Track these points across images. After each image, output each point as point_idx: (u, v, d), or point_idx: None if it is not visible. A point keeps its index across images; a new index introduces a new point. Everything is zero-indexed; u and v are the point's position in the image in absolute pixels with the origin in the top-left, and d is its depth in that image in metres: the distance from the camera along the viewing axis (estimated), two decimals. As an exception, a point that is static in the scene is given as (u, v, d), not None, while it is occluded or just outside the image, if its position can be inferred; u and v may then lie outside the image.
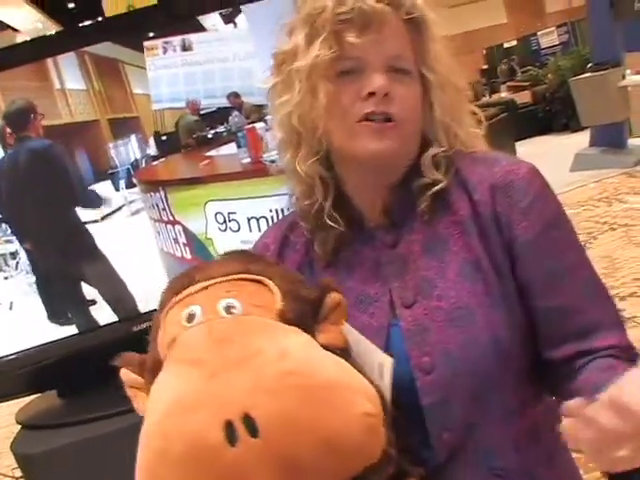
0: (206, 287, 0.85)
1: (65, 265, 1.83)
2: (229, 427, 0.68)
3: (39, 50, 1.68)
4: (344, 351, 0.85)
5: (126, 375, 0.87)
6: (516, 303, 0.96)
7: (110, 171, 1.77)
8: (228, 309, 0.82)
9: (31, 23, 12.41)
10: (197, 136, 1.74)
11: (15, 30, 11.84)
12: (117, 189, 1.77)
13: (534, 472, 0.98)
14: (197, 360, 0.75)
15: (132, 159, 1.76)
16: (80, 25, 1.67)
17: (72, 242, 1.80)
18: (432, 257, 1.00)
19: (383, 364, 0.87)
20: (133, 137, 1.76)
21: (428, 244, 1.00)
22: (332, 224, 1.03)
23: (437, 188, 1.00)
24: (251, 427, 0.68)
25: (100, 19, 1.69)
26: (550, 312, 0.96)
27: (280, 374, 0.72)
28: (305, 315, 0.85)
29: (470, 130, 1.05)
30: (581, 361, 0.93)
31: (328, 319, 0.87)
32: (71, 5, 13.62)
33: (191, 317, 0.81)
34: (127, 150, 1.76)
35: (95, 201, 1.77)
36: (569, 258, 0.98)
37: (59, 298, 1.86)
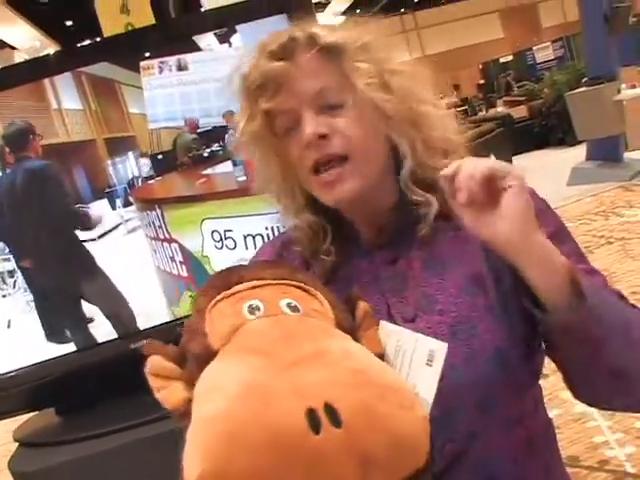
0: (259, 286, 0.86)
1: (64, 283, 1.83)
2: (311, 415, 0.68)
3: (36, 71, 1.70)
4: (381, 357, 0.87)
5: (158, 363, 0.82)
6: (519, 317, 0.96)
7: (107, 190, 1.78)
8: (291, 307, 0.84)
9: (29, 41, 12.48)
10: (193, 155, 1.76)
11: (13, 48, 11.91)
12: (114, 208, 1.78)
13: None
14: (269, 350, 0.76)
15: (129, 178, 1.77)
16: (78, 46, 1.68)
17: (70, 260, 1.81)
18: (432, 273, 1.01)
19: (435, 350, 0.87)
20: (129, 156, 1.77)
21: (428, 260, 1.02)
22: (324, 257, 1.05)
23: (432, 212, 1.01)
24: (334, 417, 0.69)
25: (98, 40, 1.70)
26: None
27: (353, 371, 0.75)
28: (353, 326, 0.88)
29: (432, 131, 1.03)
30: None
31: (362, 327, 0.89)
32: (69, 23, 13.72)
33: (253, 310, 0.82)
34: (124, 169, 1.77)
35: (88, 223, 1.78)
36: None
37: (57, 316, 1.86)
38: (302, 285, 0.89)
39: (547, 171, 9.67)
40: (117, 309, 1.82)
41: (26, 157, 1.74)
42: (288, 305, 0.84)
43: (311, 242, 1.07)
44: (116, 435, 1.67)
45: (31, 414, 1.93)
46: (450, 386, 0.89)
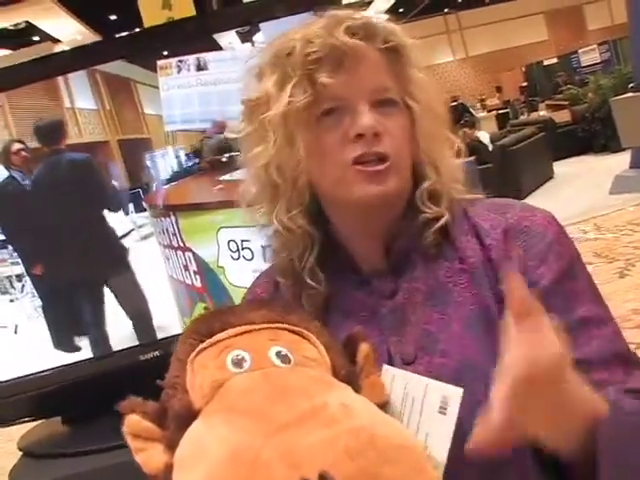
0: (245, 332, 0.79)
1: (92, 278, 1.79)
2: None
3: (48, 68, 1.64)
4: (384, 406, 0.80)
5: (136, 423, 0.76)
6: None
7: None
8: (282, 357, 0.76)
9: (71, 34, 12.62)
10: (211, 160, 1.68)
11: (55, 41, 12.05)
12: (126, 213, 1.72)
13: None
14: (257, 411, 0.69)
15: (142, 182, 1.70)
16: (91, 43, 1.63)
17: (106, 253, 1.78)
18: (434, 308, 0.92)
19: (448, 397, 0.78)
20: (144, 159, 1.70)
21: (430, 294, 0.93)
22: (312, 283, 0.95)
23: (442, 222, 0.93)
24: None
25: (115, 37, 1.64)
26: None
27: (354, 431, 0.67)
28: (352, 372, 0.81)
29: (451, 162, 0.98)
30: None
31: (363, 373, 0.82)
32: (113, 17, 13.84)
33: (239, 362, 0.75)
34: (138, 172, 1.71)
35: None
36: (585, 310, 0.89)
37: (70, 322, 1.82)
38: (294, 328, 0.81)
39: (589, 178, 9.50)
40: (142, 310, 1.77)
41: (61, 149, 1.71)
42: (278, 354, 0.76)
43: (295, 256, 0.96)
44: (124, 450, 1.61)
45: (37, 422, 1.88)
46: (456, 440, 0.79)
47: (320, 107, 0.90)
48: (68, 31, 12.65)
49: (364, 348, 0.83)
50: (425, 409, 0.80)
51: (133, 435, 0.76)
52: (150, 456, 0.74)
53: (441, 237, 0.94)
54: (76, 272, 1.76)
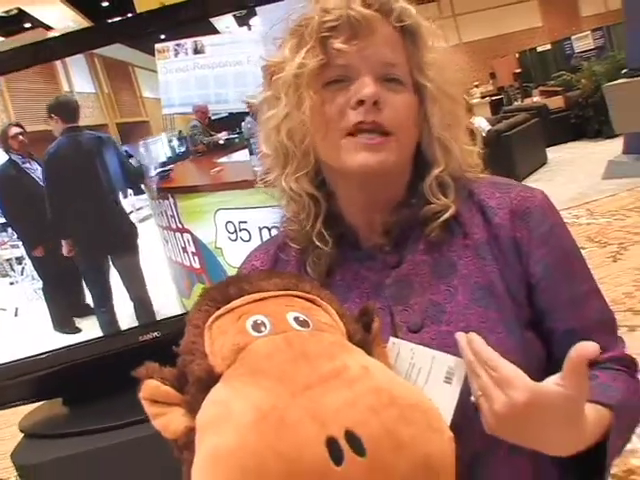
0: (262, 299, 0.80)
1: (100, 256, 1.80)
2: (332, 445, 0.63)
3: (46, 52, 1.64)
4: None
5: (154, 388, 0.75)
6: (532, 332, 0.93)
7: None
8: (300, 322, 0.77)
9: (64, 21, 12.54)
10: (208, 142, 1.69)
11: (48, 28, 11.96)
12: (125, 196, 1.73)
13: None
14: (281, 373, 0.70)
15: (141, 165, 1.71)
16: (90, 26, 1.64)
17: (117, 230, 1.79)
18: (440, 280, 0.95)
19: (454, 368, 0.82)
20: (142, 142, 1.71)
21: (435, 265, 0.96)
22: (319, 244, 0.98)
23: (447, 215, 0.95)
24: (357, 445, 0.64)
25: (111, 21, 1.65)
26: (566, 335, 0.93)
27: (375, 390, 0.69)
28: (365, 339, 0.82)
29: (464, 147, 0.99)
30: None
31: (375, 342, 0.84)
32: (105, 4, 13.75)
33: (258, 326, 0.75)
34: (136, 155, 1.72)
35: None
36: (586, 285, 0.98)
37: (71, 303, 1.84)
38: (307, 296, 0.82)
39: (582, 164, 9.52)
40: (142, 292, 1.79)
41: (78, 127, 1.72)
42: (296, 319, 0.77)
43: (304, 219, 1.00)
44: (124, 430, 1.63)
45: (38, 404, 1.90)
46: (459, 406, 0.83)
47: (330, 74, 0.92)
48: (60, 18, 12.56)
49: (377, 321, 0.85)
50: (431, 378, 0.83)
51: (151, 400, 0.75)
52: (170, 420, 0.74)
53: (446, 224, 0.97)
54: (85, 248, 1.77)
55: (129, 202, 1.74)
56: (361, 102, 0.90)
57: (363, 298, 0.94)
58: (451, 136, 0.97)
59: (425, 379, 0.84)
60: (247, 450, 0.63)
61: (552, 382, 0.75)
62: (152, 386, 0.75)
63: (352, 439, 0.64)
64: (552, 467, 1.02)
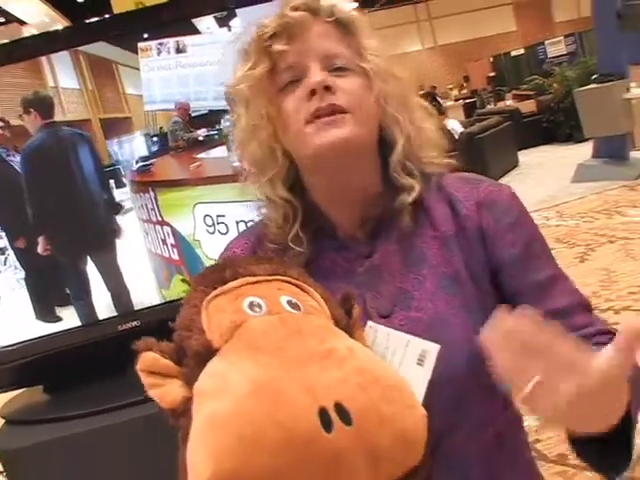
0: (256, 282, 0.85)
1: (78, 250, 1.84)
2: (323, 414, 0.69)
3: (32, 48, 1.69)
4: None
5: (153, 360, 0.79)
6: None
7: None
8: (292, 305, 0.83)
9: (38, 16, 12.43)
10: (188, 138, 1.75)
11: (22, 23, 11.86)
12: (103, 191, 1.78)
13: (500, 478, 1.01)
14: (277, 349, 0.75)
15: (123, 159, 1.76)
16: (74, 25, 1.68)
17: (95, 226, 1.82)
18: (410, 270, 1.01)
19: (427, 352, 0.88)
20: (125, 137, 1.76)
21: (405, 256, 1.02)
22: (294, 246, 1.03)
23: (415, 195, 1.01)
24: (345, 416, 0.70)
25: (96, 19, 1.69)
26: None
27: (360, 370, 0.76)
28: (348, 324, 0.88)
29: (423, 125, 1.05)
30: None
31: (355, 327, 0.89)
32: (80, 0, 13.66)
33: (254, 307, 0.80)
34: (119, 150, 1.77)
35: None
36: (552, 270, 1.02)
37: (52, 293, 1.87)
38: (295, 281, 0.88)
39: (553, 167, 9.66)
40: (120, 284, 1.83)
41: (55, 123, 1.75)
42: (289, 302, 0.83)
43: (281, 224, 1.05)
44: (103, 415, 1.68)
45: (18, 391, 1.93)
46: (430, 386, 0.89)
47: (282, 79, 0.99)
48: (35, 13, 12.46)
49: (358, 307, 0.91)
50: (405, 360, 0.89)
51: (148, 372, 0.79)
52: (167, 391, 0.78)
53: (416, 207, 1.02)
54: (62, 245, 1.81)
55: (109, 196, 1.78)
56: (314, 91, 0.96)
57: (338, 284, 0.99)
58: (404, 111, 1.02)
59: (399, 361, 0.89)
60: (245, 417, 0.68)
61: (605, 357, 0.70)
62: (150, 358, 0.79)
63: (341, 411, 0.70)
64: (520, 444, 1.10)
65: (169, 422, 0.79)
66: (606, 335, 0.96)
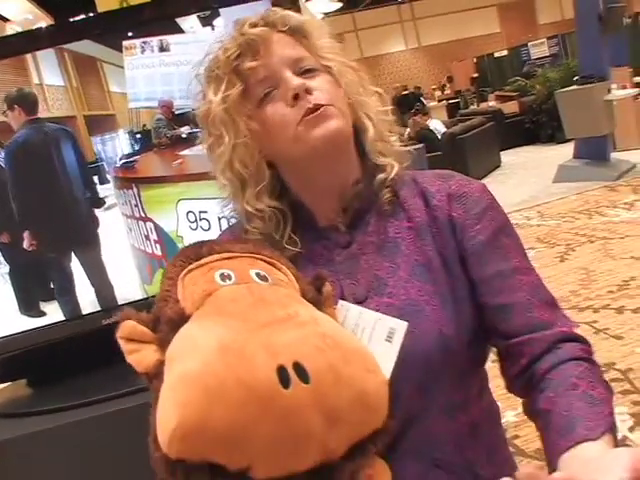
0: (229, 258, 0.92)
1: (61, 247, 1.85)
2: (282, 372, 0.75)
3: (17, 46, 1.71)
4: None
5: (131, 327, 0.85)
6: (466, 305, 1.03)
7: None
8: (260, 277, 0.89)
9: (22, 13, 12.36)
10: (171, 135, 1.77)
11: (5, 20, 11.80)
12: (86, 188, 1.80)
13: (473, 466, 1.04)
14: (242, 314, 0.82)
15: (107, 155, 1.78)
16: (60, 23, 1.70)
17: (77, 223, 1.83)
18: (384, 258, 1.06)
19: (395, 329, 0.94)
20: (108, 134, 1.79)
21: (381, 245, 1.07)
22: (291, 248, 1.08)
23: (393, 174, 1.07)
24: (303, 374, 0.76)
25: (81, 18, 1.72)
26: (499, 309, 1.02)
27: (321, 334, 0.82)
28: (317, 299, 0.94)
29: (380, 110, 1.12)
30: (541, 366, 0.96)
31: (325, 304, 0.95)
32: (64, -3, 13.60)
33: (225, 278, 0.87)
34: (103, 146, 1.79)
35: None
36: (517, 262, 1.05)
37: (36, 288, 1.88)
38: (268, 259, 0.95)
39: (534, 168, 9.74)
40: (104, 280, 1.84)
41: (39, 119, 1.76)
42: (257, 275, 0.90)
43: (271, 231, 1.08)
44: (87, 408, 1.69)
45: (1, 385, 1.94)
46: (398, 362, 0.94)
47: (257, 93, 1.04)
48: (19, 11, 12.39)
49: (328, 286, 0.97)
50: (374, 337, 0.95)
51: (127, 339, 0.86)
52: (143, 356, 0.84)
53: (393, 197, 1.09)
54: (46, 240, 1.82)
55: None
56: (297, 95, 1.01)
57: (316, 271, 1.03)
58: (367, 103, 1.10)
59: (369, 337, 0.95)
60: (210, 373, 0.74)
61: None
62: (129, 326, 0.86)
63: (299, 369, 0.76)
64: (497, 439, 1.13)
65: (148, 385, 0.85)
66: (567, 343, 0.97)
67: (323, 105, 1.02)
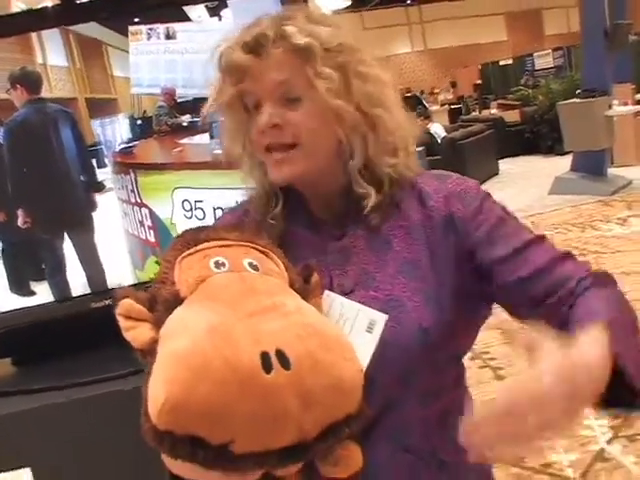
0: (225, 245, 0.96)
1: (55, 228, 1.86)
2: (265, 357, 0.80)
3: (22, 24, 1.70)
4: None
5: (129, 305, 0.90)
6: (449, 301, 1.05)
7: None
8: (252, 266, 0.94)
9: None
10: (172, 123, 1.78)
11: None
12: (84, 170, 1.80)
13: (440, 453, 1.07)
14: (232, 301, 0.87)
15: (107, 139, 1.78)
16: (67, 3, 1.70)
17: (72, 203, 1.84)
18: (374, 253, 1.08)
19: (375, 320, 0.99)
20: (109, 118, 1.79)
21: (372, 241, 1.09)
22: (272, 222, 1.13)
23: (371, 204, 1.07)
24: (284, 361, 0.82)
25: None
26: (524, 282, 1.03)
27: (304, 324, 0.88)
28: (304, 289, 0.99)
29: (399, 120, 1.11)
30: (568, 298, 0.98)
31: (312, 294, 1.00)
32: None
33: (219, 265, 0.92)
34: (102, 130, 1.79)
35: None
36: (526, 236, 1.06)
37: (28, 267, 1.89)
38: (261, 248, 0.99)
39: (531, 178, 9.77)
40: (95, 263, 1.85)
41: (41, 99, 1.77)
42: (250, 264, 0.94)
43: (263, 205, 1.15)
44: (73, 389, 1.69)
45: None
46: (373, 358, 0.97)
47: (247, 103, 1.07)
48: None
49: (316, 277, 1.02)
50: (355, 327, 0.99)
51: (125, 316, 0.91)
52: (139, 332, 0.89)
53: (386, 208, 1.09)
54: (40, 219, 1.82)
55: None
56: (263, 131, 1.04)
57: (308, 258, 1.06)
58: (367, 134, 1.07)
59: (351, 327, 1.00)
60: (198, 352, 0.79)
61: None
62: (127, 303, 0.91)
63: (281, 356, 0.82)
64: (461, 407, 1.14)
65: (142, 361, 0.90)
66: (585, 280, 1.00)
67: (287, 146, 1.04)
